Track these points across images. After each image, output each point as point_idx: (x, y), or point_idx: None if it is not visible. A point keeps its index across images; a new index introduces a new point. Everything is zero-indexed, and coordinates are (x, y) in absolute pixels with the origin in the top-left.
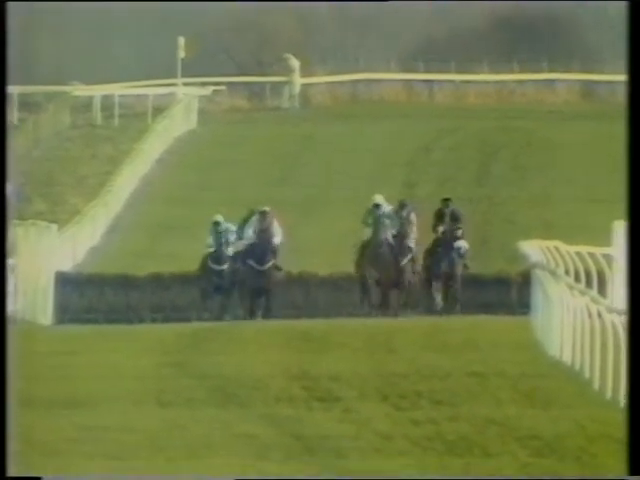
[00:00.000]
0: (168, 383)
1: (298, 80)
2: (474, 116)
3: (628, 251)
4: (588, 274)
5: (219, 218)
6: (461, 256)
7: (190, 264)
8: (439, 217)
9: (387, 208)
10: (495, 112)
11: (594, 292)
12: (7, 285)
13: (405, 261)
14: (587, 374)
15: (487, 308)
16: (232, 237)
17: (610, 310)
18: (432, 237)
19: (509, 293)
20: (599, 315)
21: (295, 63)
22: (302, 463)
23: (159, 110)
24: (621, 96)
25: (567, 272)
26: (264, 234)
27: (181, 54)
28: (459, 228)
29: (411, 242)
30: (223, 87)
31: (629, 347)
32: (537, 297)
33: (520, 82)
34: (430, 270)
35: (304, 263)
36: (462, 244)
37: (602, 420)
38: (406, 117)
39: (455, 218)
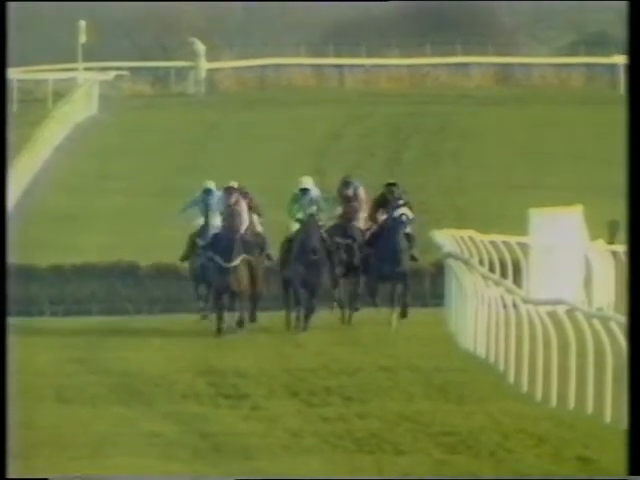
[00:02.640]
0: (69, 379)
1: (204, 65)
2: (385, 101)
3: (628, 251)
4: (503, 264)
5: (211, 185)
6: (409, 243)
7: (91, 255)
8: (380, 203)
9: (316, 192)
10: (407, 97)
11: (509, 282)
12: (7, 285)
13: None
14: (502, 367)
15: None
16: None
17: (526, 301)
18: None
19: (422, 284)
20: (514, 306)
21: (200, 48)
22: (209, 462)
23: (59, 95)
24: (536, 79)
25: (481, 262)
26: (230, 219)
27: (82, 38)
28: (401, 201)
29: (359, 223)
30: (125, 72)
31: (629, 348)
32: (451, 288)
33: (433, 66)
34: (370, 266)
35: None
36: (403, 213)
37: (517, 414)
38: (315, 103)
39: (398, 204)
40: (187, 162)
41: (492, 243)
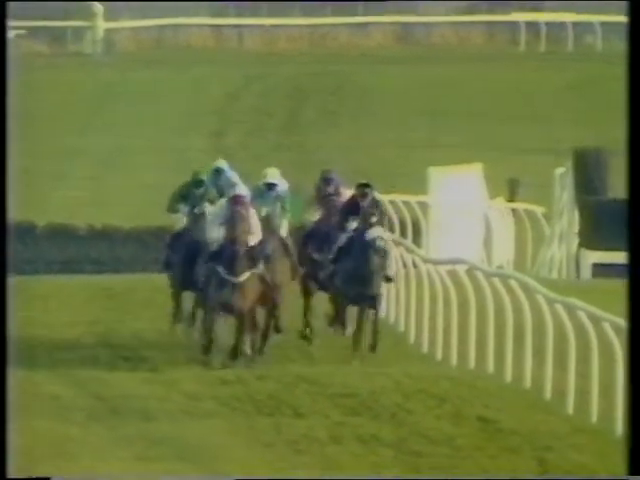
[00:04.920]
0: None
1: (102, 25)
2: (284, 61)
3: (629, 252)
4: (403, 223)
5: (222, 164)
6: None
7: None
8: (350, 209)
9: (283, 188)
10: (306, 57)
11: (409, 242)
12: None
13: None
14: (402, 327)
15: None
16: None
17: (425, 260)
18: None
19: None
20: (414, 265)
21: (99, 8)
22: (106, 425)
23: None
24: (436, 38)
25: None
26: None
27: None
28: (374, 217)
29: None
30: (23, 31)
31: (629, 348)
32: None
33: (333, 26)
34: (335, 287)
35: (107, 216)
36: (378, 235)
37: (418, 376)
38: (214, 63)
39: (372, 212)
40: (85, 122)
41: (392, 202)
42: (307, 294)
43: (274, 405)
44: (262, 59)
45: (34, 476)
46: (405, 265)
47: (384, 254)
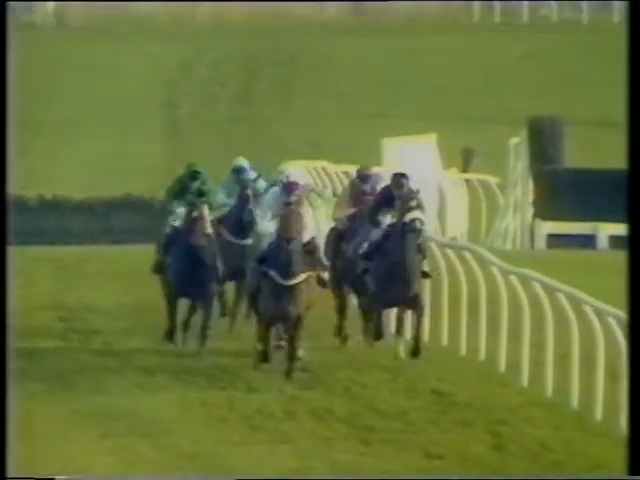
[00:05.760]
0: None
1: None
2: (238, 33)
3: (628, 252)
4: None
5: (243, 162)
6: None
7: None
8: (383, 200)
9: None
10: (260, 29)
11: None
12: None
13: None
14: (354, 300)
15: None
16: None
17: None
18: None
19: None
20: None
21: None
22: (59, 398)
23: None
24: (391, 9)
25: (335, 193)
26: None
27: None
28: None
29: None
30: None
31: (629, 347)
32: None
33: None
34: (368, 288)
35: (58, 186)
36: (417, 218)
37: (372, 349)
38: (167, 36)
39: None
40: (36, 94)
41: (346, 174)
42: (340, 297)
43: (228, 380)
44: (215, 32)
45: (34, 476)
46: None
47: (422, 246)
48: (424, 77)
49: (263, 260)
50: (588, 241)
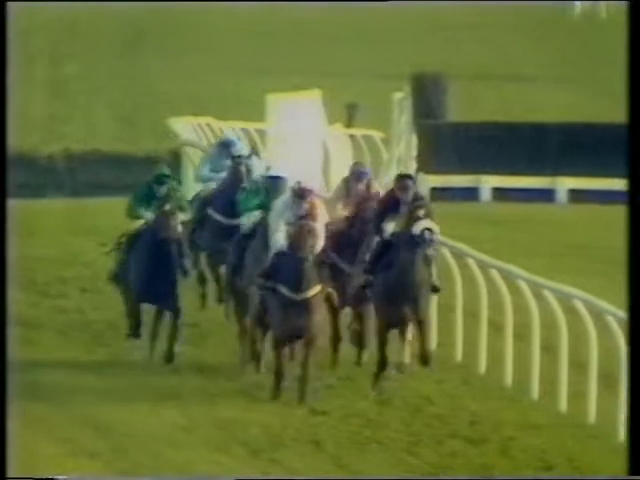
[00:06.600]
0: None
1: None
2: None
3: (628, 251)
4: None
5: (231, 135)
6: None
7: None
8: (388, 206)
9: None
10: None
11: None
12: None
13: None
14: None
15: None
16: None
17: None
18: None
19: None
20: None
21: None
22: None
23: None
24: None
25: None
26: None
27: None
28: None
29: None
30: None
31: (629, 348)
32: (187, 176)
33: None
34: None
35: None
36: (426, 227)
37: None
38: None
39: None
40: None
41: (231, 130)
42: (333, 311)
43: (111, 335)
44: None
45: (34, 476)
46: None
47: (432, 258)
48: (305, 30)
49: (268, 274)
50: (471, 194)
